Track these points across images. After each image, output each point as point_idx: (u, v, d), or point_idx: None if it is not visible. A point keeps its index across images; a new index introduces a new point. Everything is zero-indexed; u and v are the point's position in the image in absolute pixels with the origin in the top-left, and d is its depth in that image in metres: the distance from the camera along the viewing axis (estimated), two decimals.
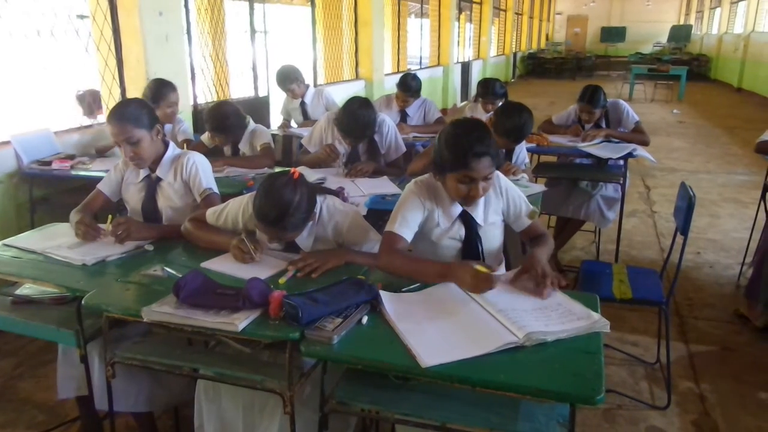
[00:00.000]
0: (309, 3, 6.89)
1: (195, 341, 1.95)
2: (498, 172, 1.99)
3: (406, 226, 1.89)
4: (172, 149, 2.38)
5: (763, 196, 3.69)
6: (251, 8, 5.53)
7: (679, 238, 2.50)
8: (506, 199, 1.98)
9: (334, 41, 7.77)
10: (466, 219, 1.94)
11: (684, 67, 15.12)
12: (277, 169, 3.29)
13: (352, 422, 1.85)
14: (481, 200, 1.93)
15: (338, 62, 7.85)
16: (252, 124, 3.39)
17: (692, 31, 24.38)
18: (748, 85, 15.21)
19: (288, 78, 4.47)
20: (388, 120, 3.24)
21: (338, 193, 2.17)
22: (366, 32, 7.72)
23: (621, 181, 3.54)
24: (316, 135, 3.24)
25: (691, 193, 2.43)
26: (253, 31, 5.60)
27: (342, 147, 3.14)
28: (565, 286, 1.65)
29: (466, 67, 13.03)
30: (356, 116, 2.95)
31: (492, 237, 1.99)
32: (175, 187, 2.34)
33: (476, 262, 1.68)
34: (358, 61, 7.85)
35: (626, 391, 2.62)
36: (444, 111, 11.07)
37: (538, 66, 21.71)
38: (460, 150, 1.77)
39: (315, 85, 6.42)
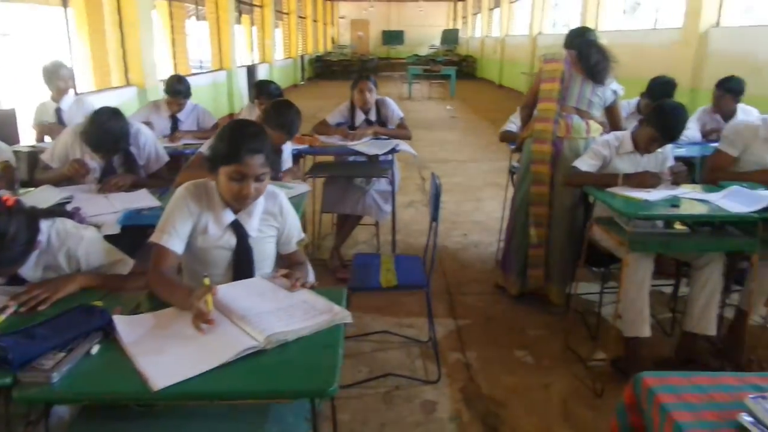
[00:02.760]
0: (62, 2, 6.21)
1: None
2: (281, 193, 2.00)
3: (175, 235, 1.78)
4: None
5: (512, 179, 4.20)
6: None
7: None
8: (284, 220, 1.97)
9: (100, 45, 7.12)
10: (238, 228, 1.88)
11: (453, 67, 16.68)
12: (21, 191, 2.91)
13: None
14: (257, 211, 1.90)
15: (105, 68, 7.21)
16: None
17: (459, 35, 27.00)
18: (507, 82, 17.30)
19: (61, 66, 4.20)
20: (144, 129, 3.04)
21: (72, 214, 1.96)
22: (133, 34, 7.19)
23: (389, 175, 3.75)
24: (60, 150, 2.91)
25: (438, 182, 2.66)
26: None
27: (94, 161, 2.87)
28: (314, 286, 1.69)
29: (251, 71, 12.85)
30: (105, 129, 2.72)
31: (264, 250, 1.96)
32: None
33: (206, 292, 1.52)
34: (128, 66, 7.28)
35: (403, 372, 2.78)
36: (231, 115, 10.82)
37: (325, 68, 22.32)
38: (234, 143, 1.76)
39: (76, 93, 5.83)
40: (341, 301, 1.60)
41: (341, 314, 1.50)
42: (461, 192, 5.93)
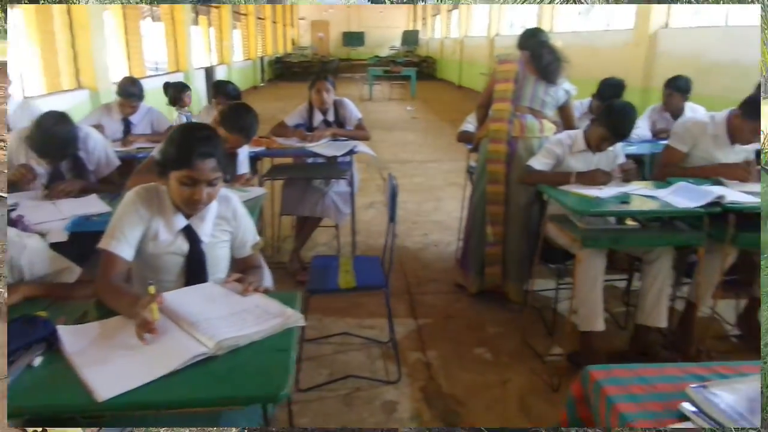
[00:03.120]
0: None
1: None
2: (235, 196, 1.96)
3: (124, 241, 1.74)
4: None
5: (470, 178, 4.24)
6: None
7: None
8: (238, 224, 1.94)
9: (49, 46, 6.90)
10: (190, 233, 1.85)
11: (414, 68, 16.78)
12: None
13: None
14: (210, 215, 1.86)
15: (55, 70, 6.99)
16: None
17: (419, 36, 27.15)
18: (466, 83, 17.46)
19: None
20: (94, 134, 2.96)
21: (15, 221, 1.90)
22: (84, 35, 6.99)
23: (348, 176, 3.74)
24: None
25: (395, 183, 2.67)
26: None
27: (40, 167, 2.78)
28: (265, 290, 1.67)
29: (209, 73, 12.66)
30: (51, 134, 2.63)
31: (217, 255, 1.92)
32: None
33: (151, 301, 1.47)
34: (79, 68, 7.08)
35: (364, 373, 2.77)
36: None
37: (286, 70, 22.14)
38: (184, 147, 1.71)
39: (24, 97, 5.64)
40: (295, 304, 1.59)
41: (294, 317, 1.49)
42: (422, 192, 5.96)
